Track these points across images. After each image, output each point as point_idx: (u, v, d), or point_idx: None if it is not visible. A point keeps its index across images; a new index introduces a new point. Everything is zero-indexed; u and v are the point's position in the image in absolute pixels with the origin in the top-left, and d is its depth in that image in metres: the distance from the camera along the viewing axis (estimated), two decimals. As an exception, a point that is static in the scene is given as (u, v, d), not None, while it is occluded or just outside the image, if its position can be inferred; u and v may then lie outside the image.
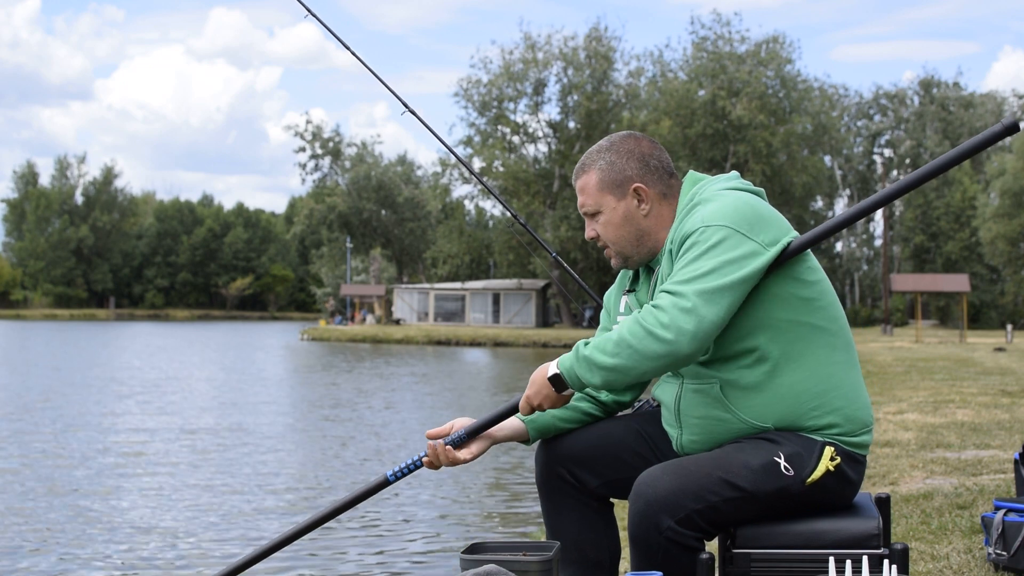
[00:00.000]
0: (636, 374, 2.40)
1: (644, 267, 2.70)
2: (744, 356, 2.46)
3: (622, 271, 2.81)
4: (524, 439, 2.74)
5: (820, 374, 2.47)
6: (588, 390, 2.76)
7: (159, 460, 10.32)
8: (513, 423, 2.72)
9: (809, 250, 2.51)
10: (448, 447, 2.68)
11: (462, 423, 2.72)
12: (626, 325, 2.41)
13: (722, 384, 2.48)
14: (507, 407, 2.68)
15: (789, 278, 2.47)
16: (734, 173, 2.64)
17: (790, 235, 2.47)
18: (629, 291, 2.75)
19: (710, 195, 2.52)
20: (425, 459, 2.71)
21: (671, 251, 2.51)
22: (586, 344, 2.45)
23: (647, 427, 2.73)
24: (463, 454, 2.69)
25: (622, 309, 2.75)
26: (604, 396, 2.78)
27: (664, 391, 2.64)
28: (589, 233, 2.67)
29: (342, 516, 7.77)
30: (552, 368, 2.51)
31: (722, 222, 2.42)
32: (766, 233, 2.43)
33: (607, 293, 2.87)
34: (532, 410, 2.56)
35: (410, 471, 2.74)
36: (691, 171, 2.67)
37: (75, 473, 9.58)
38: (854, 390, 2.52)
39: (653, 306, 2.39)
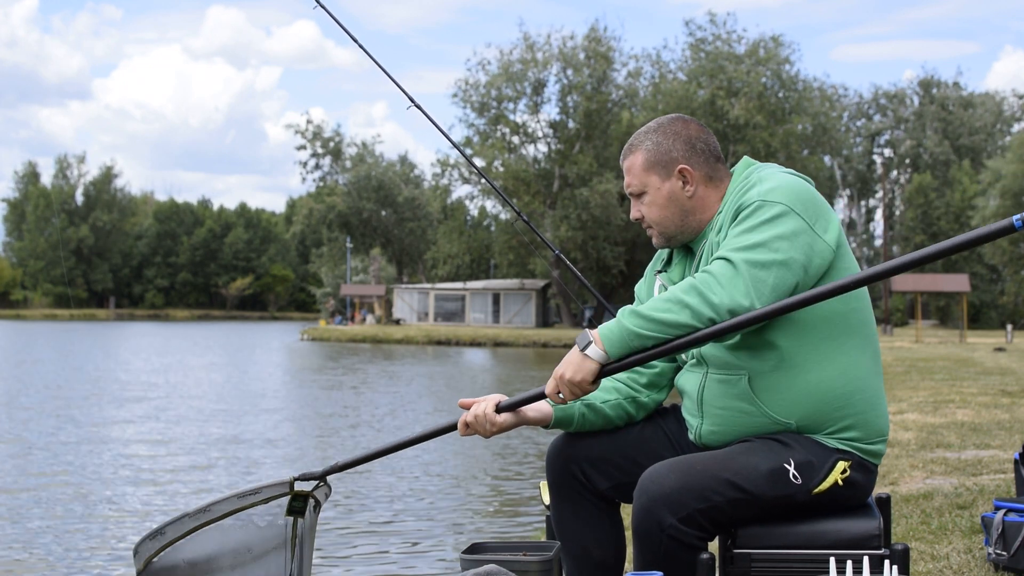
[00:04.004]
0: (681, 333, 2.33)
1: (681, 249, 2.68)
2: (773, 350, 2.44)
3: (654, 258, 2.81)
4: (546, 423, 2.67)
5: (847, 375, 2.45)
6: (629, 388, 2.69)
7: (169, 476, 10.28)
8: (544, 407, 2.66)
9: (850, 251, 2.49)
10: (491, 411, 2.60)
11: (495, 398, 2.65)
12: (678, 286, 2.37)
13: (750, 377, 2.46)
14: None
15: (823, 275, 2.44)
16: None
17: (840, 231, 2.46)
18: (660, 272, 2.73)
19: (768, 175, 2.51)
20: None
21: (722, 224, 2.49)
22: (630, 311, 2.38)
23: (670, 425, 2.71)
24: (500, 419, 2.62)
25: (657, 290, 2.72)
26: (644, 397, 2.71)
27: (687, 380, 2.62)
28: (634, 214, 2.66)
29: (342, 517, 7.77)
30: (587, 336, 2.40)
31: (779, 199, 2.41)
32: (822, 221, 2.42)
33: (637, 287, 2.83)
34: (557, 389, 2.43)
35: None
36: (746, 156, 2.67)
37: (82, 483, 9.57)
38: (876, 396, 2.50)
39: (705, 271, 2.36)
